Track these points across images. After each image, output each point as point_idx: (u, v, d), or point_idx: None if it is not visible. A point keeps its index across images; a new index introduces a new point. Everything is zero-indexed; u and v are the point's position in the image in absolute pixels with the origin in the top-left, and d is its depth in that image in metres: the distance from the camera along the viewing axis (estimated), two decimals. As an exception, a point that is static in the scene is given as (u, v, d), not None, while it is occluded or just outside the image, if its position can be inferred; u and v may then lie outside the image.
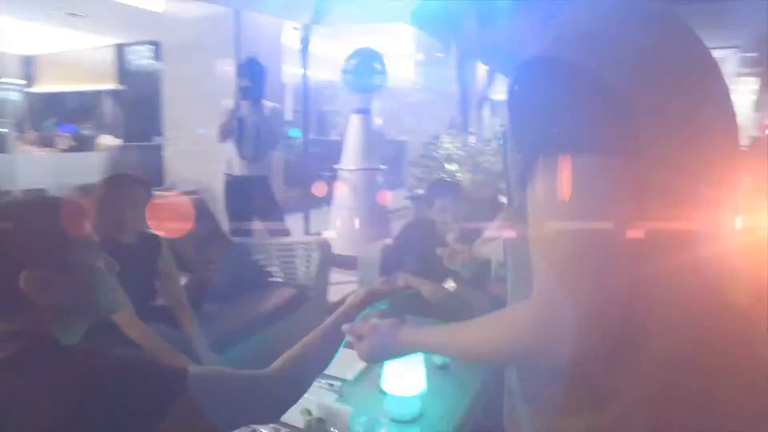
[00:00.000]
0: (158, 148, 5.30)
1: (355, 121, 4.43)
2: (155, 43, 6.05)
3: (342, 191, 4.44)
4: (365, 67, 4.07)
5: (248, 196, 3.13)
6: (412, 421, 1.60)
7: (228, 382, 0.85)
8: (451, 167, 4.57)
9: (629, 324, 0.58)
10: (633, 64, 0.58)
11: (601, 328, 0.56)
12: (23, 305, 0.75)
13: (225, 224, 3.02)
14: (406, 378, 1.60)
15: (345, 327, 0.95)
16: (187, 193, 3.59)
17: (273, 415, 0.88)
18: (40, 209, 0.79)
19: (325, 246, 2.68)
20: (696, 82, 0.64)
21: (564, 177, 0.55)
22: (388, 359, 0.87)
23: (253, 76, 2.97)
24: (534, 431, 0.74)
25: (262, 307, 2.39)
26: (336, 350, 1.03)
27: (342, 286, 3.59)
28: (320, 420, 1.47)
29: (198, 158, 4.71)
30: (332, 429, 1.47)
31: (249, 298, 2.44)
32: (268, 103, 3.13)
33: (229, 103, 3.08)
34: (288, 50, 5.17)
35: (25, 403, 0.68)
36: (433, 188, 2.56)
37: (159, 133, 5.47)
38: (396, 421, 1.57)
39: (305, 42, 3.23)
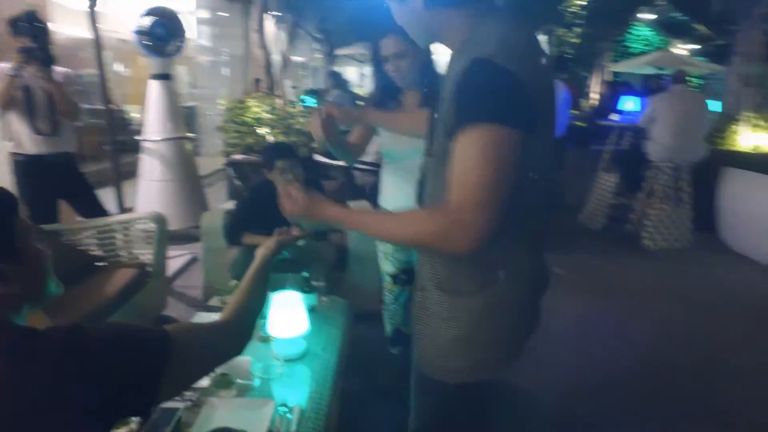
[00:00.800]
0: None
1: (155, 88, 4.09)
2: None
3: (149, 164, 4.11)
4: (164, 28, 3.74)
5: (50, 177, 2.70)
6: (301, 357, 1.80)
7: (200, 333, 0.94)
8: (263, 130, 4.61)
9: (508, 227, 0.90)
10: (537, 74, 0.91)
11: (491, 222, 0.86)
12: None
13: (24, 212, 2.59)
14: (290, 321, 1.78)
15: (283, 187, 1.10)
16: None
17: (236, 352, 1.00)
18: None
19: (160, 220, 2.56)
20: (551, 88, 1.01)
21: (484, 133, 0.86)
22: (307, 221, 1.08)
23: (35, 34, 2.51)
24: (443, 312, 1.04)
25: (105, 292, 2.22)
26: (266, 295, 1.17)
27: (177, 260, 3.46)
28: (224, 374, 1.56)
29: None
30: (237, 380, 1.58)
31: (88, 285, 2.23)
32: (59, 69, 2.70)
33: (4, 67, 2.56)
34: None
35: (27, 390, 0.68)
36: (271, 151, 2.65)
37: None
38: (287, 360, 1.76)
39: (93, -1, 2.84)
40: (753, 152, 4.62)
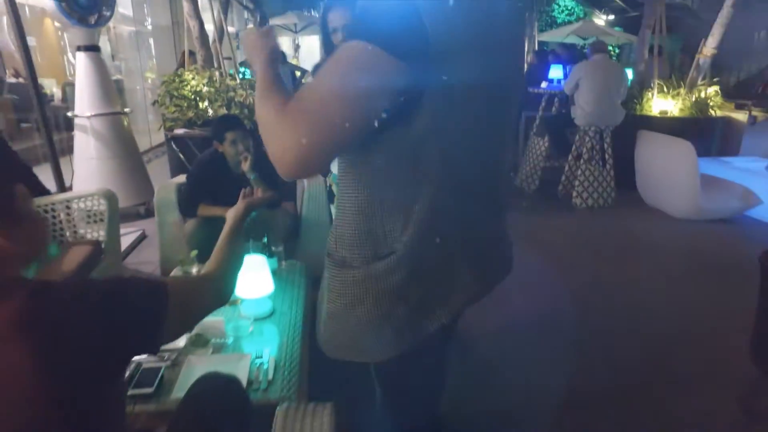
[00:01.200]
0: None
1: (83, 61, 3.88)
2: None
3: (84, 141, 3.94)
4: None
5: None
6: (269, 316, 1.91)
7: (191, 283, 1.03)
8: (203, 104, 4.52)
9: (410, 199, 0.84)
10: (461, 18, 0.78)
11: (316, 142, 0.75)
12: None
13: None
14: (256, 283, 1.88)
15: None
16: None
17: (223, 301, 1.10)
18: None
19: (111, 197, 2.53)
20: (496, 39, 0.85)
21: (349, 48, 0.75)
22: (249, 54, 0.95)
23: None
24: (326, 282, 0.99)
25: (61, 269, 2.19)
26: (242, 252, 1.27)
27: (125, 238, 3.40)
28: (199, 334, 1.65)
29: None
30: (212, 339, 1.67)
31: (45, 262, 2.20)
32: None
33: None
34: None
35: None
36: (222, 123, 2.67)
37: None
38: (256, 319, 1.86)
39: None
40: (660, 116, 5.10)
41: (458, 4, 0.78)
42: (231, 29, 9.43)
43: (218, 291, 1.10)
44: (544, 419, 1.95)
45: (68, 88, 7.80)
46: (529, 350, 2.45)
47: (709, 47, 4.96)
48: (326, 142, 0.75)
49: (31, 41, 8.12)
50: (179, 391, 1.42)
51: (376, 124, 0.79)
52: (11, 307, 0.72)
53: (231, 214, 1.34)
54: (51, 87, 8.34)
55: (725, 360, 2.29)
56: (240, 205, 1.37)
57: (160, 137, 7.82)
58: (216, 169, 2.66)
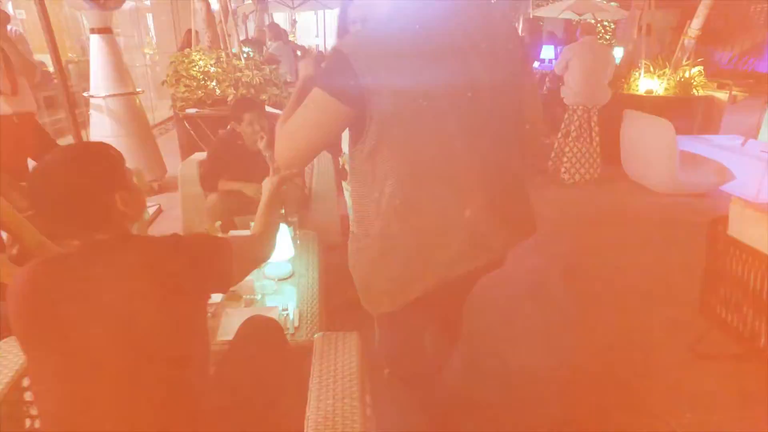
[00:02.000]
0: None
1: (97, 43, 4.07)
2: None
3: (100, 120, 4.16)
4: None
5: (18, 138, 2.80)
6: (289, 277, 2.20)
7: (246, 241, 1.32)
8: (211, 84, 4.71)
9: (383, 190, 1.13)
10: (392, 61, 1.06)
11: (291, 151, 1.18)
12: (115, 218, 1.06)
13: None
14: (278, 248, 2.16)
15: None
16: None
17: (268, 256, 1.38)
18: (115, 150, 1.07)
19: (138, 172, 2.79)
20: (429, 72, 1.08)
21: (311, 93, 1.12)
22: (306, 68, 1.44)
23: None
24: (348, 246, 1.31)
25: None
26: (279, 218, 1.55)
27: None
28: (233, 291, 1.94)
29: None
30: (244, 295, 1.96)
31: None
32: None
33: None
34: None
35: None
36: (240, 105, 2.91)
37: None
38: (279, 280, 2.15)
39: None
40: (646, 95, 5.34)
41: (383, 48, 1.06)
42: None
43: (264, 246, 1.39)
44: (531, 361, 2.28)
45: (70, 65, 7.90)
46: (517, 305, 2.76)
47: (693, 29, 5.16)
48: (301, 151, 1.17)
49: (21, 14, 8.13)
50: (222, 336, 1.72)
51: (339, 138, 1.26)
52: (136, 253, 1.01)
53: (267, 187, 1.59)
54: (51, 65, 8.38)
55: (683, 312, 2.61)
56: (275, 178, 1.63)
57: (161, 115, 7.98)
58: (234, 147, 2.91)
